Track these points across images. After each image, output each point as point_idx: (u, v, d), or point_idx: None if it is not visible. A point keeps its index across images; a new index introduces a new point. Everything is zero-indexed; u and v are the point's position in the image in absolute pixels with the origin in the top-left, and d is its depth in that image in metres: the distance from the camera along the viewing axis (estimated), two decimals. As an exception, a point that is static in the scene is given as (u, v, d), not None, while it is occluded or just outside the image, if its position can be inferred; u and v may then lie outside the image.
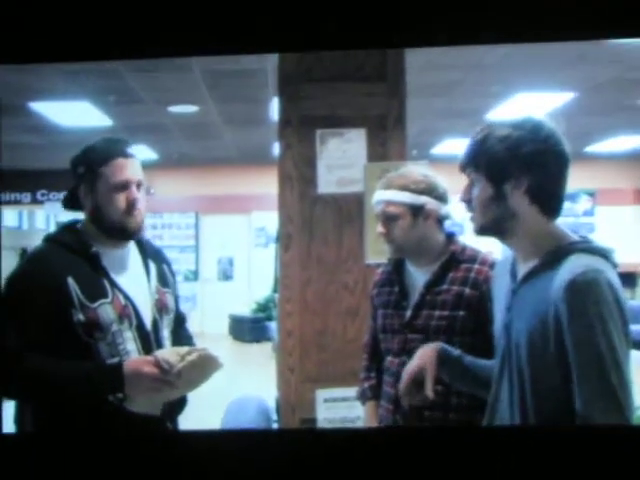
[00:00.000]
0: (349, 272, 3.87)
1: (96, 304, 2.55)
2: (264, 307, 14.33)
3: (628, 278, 12.94)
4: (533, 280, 2.20)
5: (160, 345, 2.71)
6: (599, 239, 2.26)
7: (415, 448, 2.17)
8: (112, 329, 2.57)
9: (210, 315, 14.90)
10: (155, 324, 2.71)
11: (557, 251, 2.16)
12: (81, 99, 8.38)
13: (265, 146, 11.18)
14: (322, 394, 3.79)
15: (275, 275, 4.68)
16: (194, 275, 15.49)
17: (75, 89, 7.87)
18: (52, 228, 16.45)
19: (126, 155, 2.67)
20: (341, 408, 3.72)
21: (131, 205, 2.65)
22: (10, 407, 2.91)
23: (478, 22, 2.21)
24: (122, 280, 2.67)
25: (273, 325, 11.08)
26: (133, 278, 2.72)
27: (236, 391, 4.77)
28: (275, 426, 4.09)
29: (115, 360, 2.56)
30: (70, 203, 2.75)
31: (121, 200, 2.63)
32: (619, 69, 7.28)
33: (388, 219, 2.88)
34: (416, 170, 2.95)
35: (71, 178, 2.72)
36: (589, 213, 14.56)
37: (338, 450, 2.15)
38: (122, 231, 2.67)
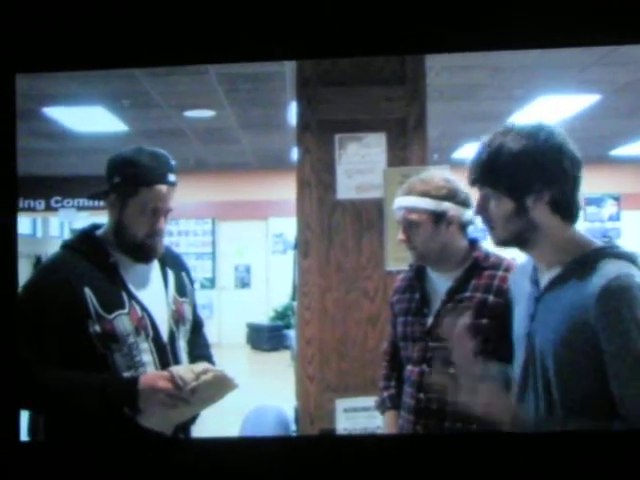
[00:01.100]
0: (369, 279, 3.86)
1: (113, 315, 2.56)
2: (282, 315, 14.32)
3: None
4: (559, 288, 2.20)
5: (176, 356, 2.72)
6: (626, 244, 2.25)
7: (431, 455, 2.16)
8: (128, 341, 2.58)
9: (227, 324, 14.89)
10: (172, 335, 2.72)
11: (584, 258, 2.17)
12: (95, 104, 8.39)
13: (283, 151, 11.19)
14: (342, 404, 3.78)
15: (293, 282, 4.67)
16: (211, 283, 15.47)
17: (89, 94, 7.89)
18: (66, 235, 16.49)
19: (168, 182, 2.66)
20: (361, 418, 3.71)
21: (155, 233, 2.67)
22: (24, 417, 2.92)
23: (498, 27, 2.21)
24: (139, 290, 2.68)
25: (292, 333, 11.08)
26: (151, 288, 2.73)
27: (254, 401, 4.76)
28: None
29: (131, 372, 2.57)
30: (98, 198, 2.76)
31: (147, 225, 2.65)
32: (643, 70, 7.26)
33: (409, 226, 2.87)
34: (437, 175, 2.93)
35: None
36: (614, 218, 14.44)
37: (352, 457, 2.15)
38: (140, 254, 2.68)
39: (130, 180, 2.63)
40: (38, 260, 15.17)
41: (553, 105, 8.47)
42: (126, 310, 2.59)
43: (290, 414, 4.51)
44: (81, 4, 2.19)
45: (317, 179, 3.87)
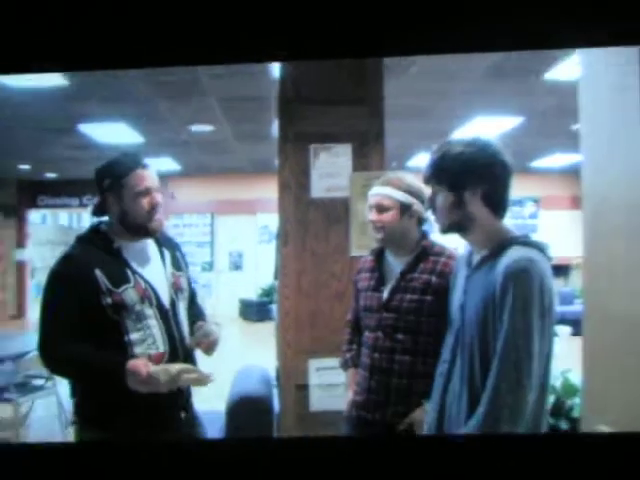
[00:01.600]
0: (337, 263, 3.84)
1: (121, 289, 2.57)
2: (268, 292, 14.34)
3: (563, 269, 13.08)
4: (482, 267, 2.22)
5: (177, 318, 2.73)
6: (541, 237, 2.28)
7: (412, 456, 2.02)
8: (136, 308, 2.59)
9: (223, 300, 14.92)
10: (172, 302, 2.72)
11: (501, 243, 2.19)
12: (118, 121, 8.43)
13: (270, 158, 11.15)
14: (314, 364, 3.78)
15: (276, 265, 4.65)
16: (210, 266, 15.50)
17: (114, 112, 7.93)
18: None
19: (143, 166, 2.68)
20: (329, 375, 3.70)
21: (153, 208, 2.66)
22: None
23: (465, 30, 2.09)
24: (141, 268, 2.69)
25: (275, 307, 11.08)
26: (151, 265, 2.73)
27: (245, 361, 4.74)
28: (275, 390, 4.05)
29: (140, 333, 2.59)
30: (99, 212, 2.75)
31: (145, 204, 2.64)
32: (556, 99, 7.29)
33: (381, 210, 2.87)
34: (410, 177, 2.95)
35: (97, 189, 2.71)
36: (534, 216, 14.62)
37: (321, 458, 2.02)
38: (146, 230, 2.68)
39: (116, 176, 2.65)
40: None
41: (487, 125, 8.53)
42: (132, 284, 2.60)
43: (272, 372, 4.48)
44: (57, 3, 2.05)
45: (295, 181, 3.85)
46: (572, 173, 13.41)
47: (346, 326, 3.16)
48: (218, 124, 8.87)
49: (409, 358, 2.78)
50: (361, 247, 3.64)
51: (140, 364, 2.49)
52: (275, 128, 4.07)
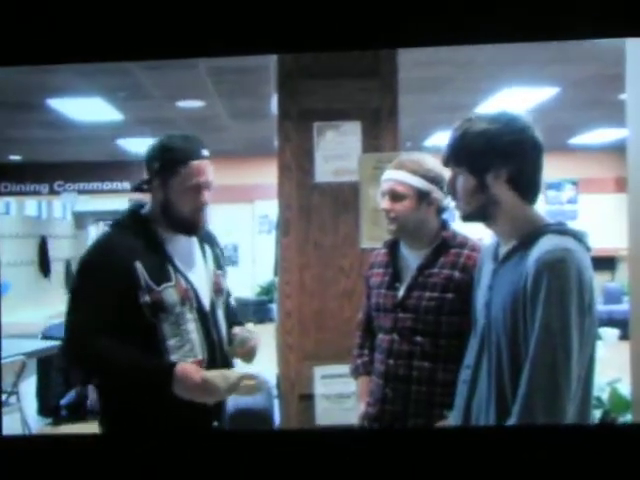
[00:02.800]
0: (345, 256, 3.86)
1: (161, 287, 2.60)
2: (267, 290, 14.36)
3: (608, 262, 12.95)
4: (510, 260, 2.22)
5: (217, 324, 2.78)
6: (581, 225, 2.27)
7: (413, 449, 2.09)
8: (175, 310, 2.62)
9: (216, 298, 14.91)
10: (212, 305, 2.77)
11: (532, 232, 2.19)
12: (94, 95, 8.38)
13: (267, 138, 11.08)
14: (319, 371, 3.79)
15: (275, 259, 4.69)
16: (201, 261, 15.50)
17: (89, 86, 7.89)
18: (68, 217, 16.44)
19: (202, 157, 2.70)
20: (337, 384, 3.71)
21: (200, 207, 2.71)
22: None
23: (469, 22, 2.16)
24: (184, 265, 2.72)
25: (275, 307, 11.12)
26: (193, 263, 2.77)
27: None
28: (275, 401, 4.07)
29: (176, 339, 2.61)
30: (141, 190, 2.75)
31: (192, 201, 2.68)
32: (598, 66, 7.26)
33: (395, 197, 2.86)
34: (428, 159, 2.92)
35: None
36: (573, 201, 14.59)
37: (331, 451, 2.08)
38: (188, 228, 2.72)
39: (168, 162, 2.66)
40: (43, 240, 15.06)
41: (516, 97, 8.48)
42: (172, 283, 2.63)
43: (272, 380, 4.49)
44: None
45: (297, 164, 3.87)
46: (617, 151, 13.46)
47: (357, 328, 3.16)
48: (209, 99, 8.85)
49: (429, 364, 2.78)
50: (373, 239, 3.64)
51: (191, 369, 2.53)
52: (274, 104, 4.07)
